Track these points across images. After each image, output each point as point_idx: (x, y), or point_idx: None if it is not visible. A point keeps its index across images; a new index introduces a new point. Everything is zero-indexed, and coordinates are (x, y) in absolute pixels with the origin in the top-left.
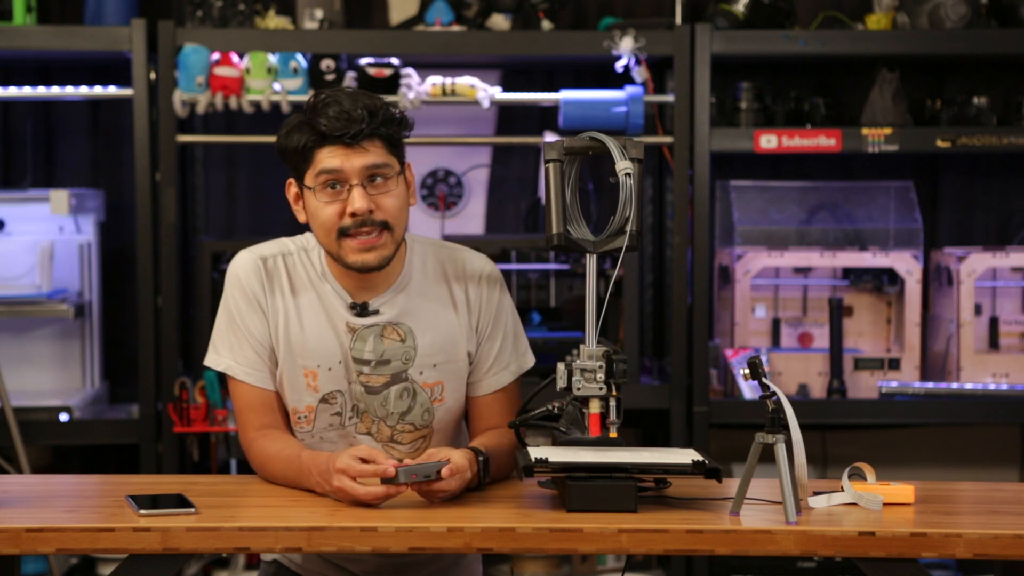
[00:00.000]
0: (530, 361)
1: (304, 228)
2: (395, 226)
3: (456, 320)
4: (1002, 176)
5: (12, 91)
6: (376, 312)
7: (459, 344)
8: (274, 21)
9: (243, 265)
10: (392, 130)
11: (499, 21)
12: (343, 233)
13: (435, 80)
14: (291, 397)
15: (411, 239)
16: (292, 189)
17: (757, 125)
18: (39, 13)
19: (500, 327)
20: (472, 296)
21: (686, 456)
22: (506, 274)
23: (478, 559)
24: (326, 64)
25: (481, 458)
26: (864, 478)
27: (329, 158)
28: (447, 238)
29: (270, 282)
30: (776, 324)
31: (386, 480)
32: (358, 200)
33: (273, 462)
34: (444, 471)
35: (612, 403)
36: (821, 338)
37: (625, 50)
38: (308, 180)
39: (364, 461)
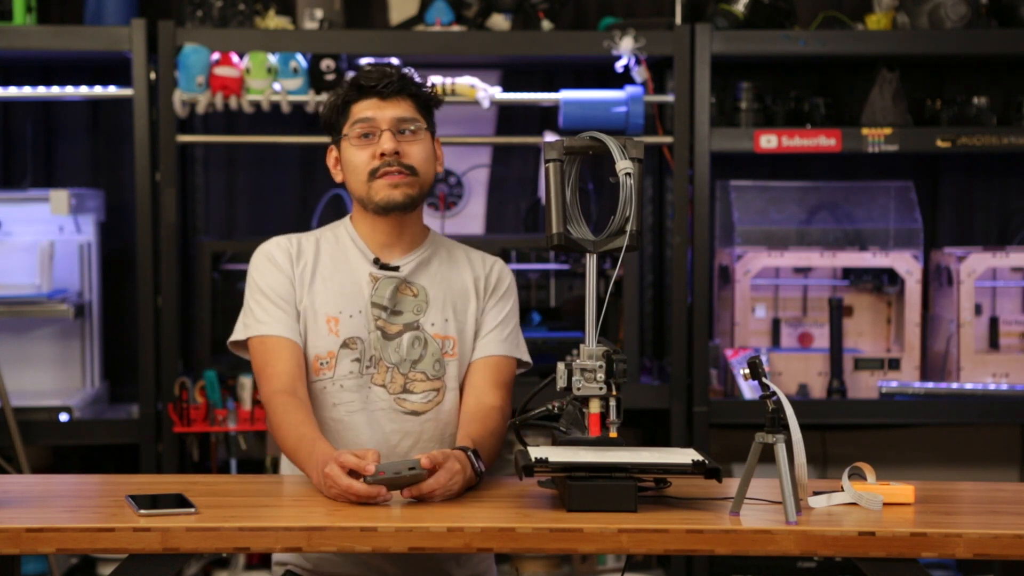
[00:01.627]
0: (526, 354)
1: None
2: (420, 173)
3: (467, 291)
4: (1002, 176)
5: (12, 91)
6: (396, 268)
7: (469, 307)
8: (274, 21)
9: (268, 244)
10: (421, 92)
11: (499, 21)
12: (373, 174)
13: (435, 80)
14: (313, 343)
15: (433, 231)
16: (332, 155)
17: (757, 125)
18: (39, 13)
19: (505, 306)
20: (483, 277)
21: (686, 456)
22: None
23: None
24: (326, 64)
25: (471, 453)
26: (864, 478)
27: (364, 109)
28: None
29: (298, 251)
30: (776, 324)
31: (368, 479)
32: (387, 142)
33: (289, 431)
34: (424, 461)
35: (612, 403)
36: (821, 338)
37: (625, 50)
38: (345, 130)
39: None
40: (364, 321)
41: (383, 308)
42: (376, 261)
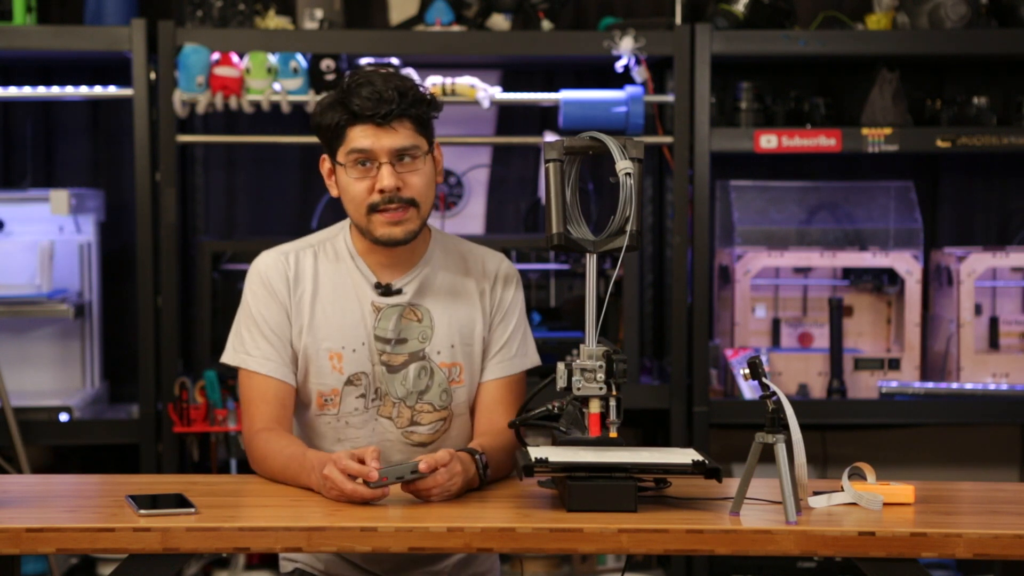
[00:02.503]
0: (535, 360)
1: (306, 222)
2: (421, 203)
3: (473, 306)
4: (1002, 176)
5: (12, 91)
6: (399, 292)
7: (475, 328)
8: (274, 21)
9: (265, 262)
10: (421, 111)
11: (499, 21)
12: (372, 209)
13: (435, 80)
14: (316, 380)
15: (435, 230)
16: (326, 164)
17: (757, 125)
18: (39, 13)
19: (512, 319)
20: (488, 287)
21: (686, 456)
22: None
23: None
24: (326, 64)
25: (478, 456)
26: (864, 478)
27: (360, 137)
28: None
29: (296, 274)
30: (776, 324)
31: (371, 486)
32: (387, 178)
33: (275, 457)
34: (422, 466)
35: (612, 403)
36: (821, 338)
37: (625, 50)
38: (340, 157)
39: (360, 462)
40: (367, 354)
41: (387, 341)
42: (378, 285)
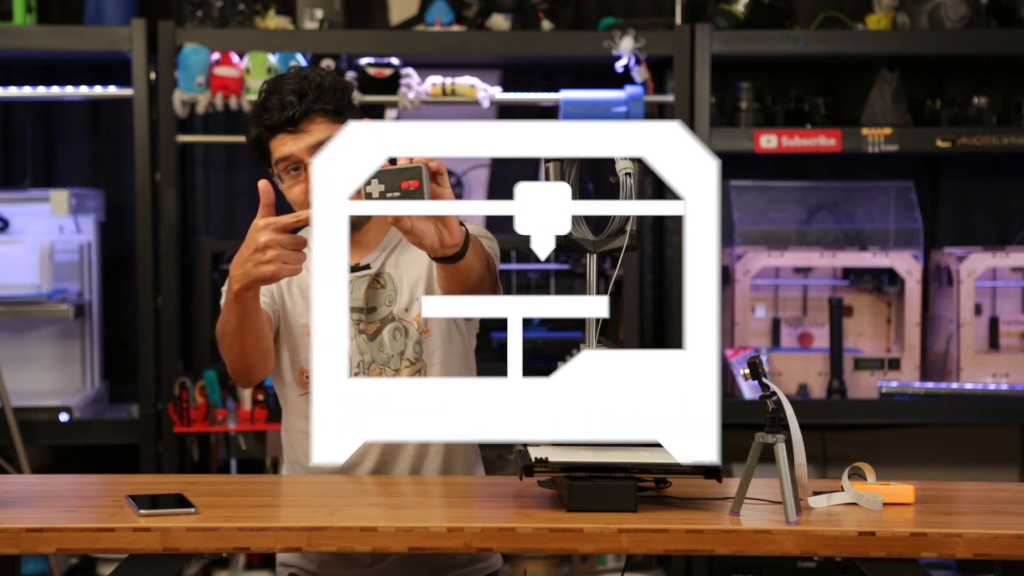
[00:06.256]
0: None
1: None
2: None
3: (425, 257)
4: (1002, 176)
5: (12, 91)
6: (367, 267)
7: (433, 272)
8: (274, 21)
9: None
10: (326, 103)
11: (499, 21)
12: None
13: (435, 80)
14: (295, 356)
15: None
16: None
17: (757, 125)
18: (39, 13)
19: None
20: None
21: None
22: (506, 274)
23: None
24: (326, 64)
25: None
26: (864, 478)
27: (280, 146)
28: None
29: None
30: (776, 324)
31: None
32: None
33: (220, 320)
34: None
35: None
36: (821, 338)
37: (625, 50)
38: (272, 170)
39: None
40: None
41: (360, 310)
42: None
